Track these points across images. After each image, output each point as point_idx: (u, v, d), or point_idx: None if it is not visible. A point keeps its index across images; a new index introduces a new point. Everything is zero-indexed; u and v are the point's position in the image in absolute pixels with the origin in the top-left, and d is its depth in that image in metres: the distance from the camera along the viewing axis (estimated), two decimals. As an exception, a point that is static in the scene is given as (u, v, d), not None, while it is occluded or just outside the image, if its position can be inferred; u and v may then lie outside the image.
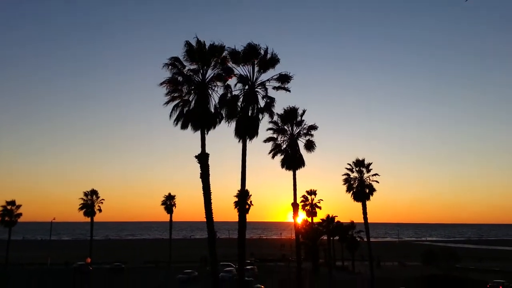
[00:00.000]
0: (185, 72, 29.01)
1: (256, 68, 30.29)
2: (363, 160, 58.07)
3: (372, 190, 56.96)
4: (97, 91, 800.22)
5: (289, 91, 31.39)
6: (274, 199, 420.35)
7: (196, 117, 28.75)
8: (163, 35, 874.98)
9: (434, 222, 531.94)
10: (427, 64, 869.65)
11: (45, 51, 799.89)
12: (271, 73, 30.73)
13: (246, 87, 30.37)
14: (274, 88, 31.07)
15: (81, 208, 77.35)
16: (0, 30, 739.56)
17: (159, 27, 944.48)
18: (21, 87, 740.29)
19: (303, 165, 37.49)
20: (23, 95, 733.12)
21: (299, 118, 37.70)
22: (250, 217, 66.56)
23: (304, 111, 37.81)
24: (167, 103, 28.91)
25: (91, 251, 76.44)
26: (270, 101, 30.81)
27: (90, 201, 77.95)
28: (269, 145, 37.78)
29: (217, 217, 29.17)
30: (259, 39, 30.79)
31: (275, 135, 37.72)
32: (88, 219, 78.37)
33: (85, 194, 78.04)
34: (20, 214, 77.52)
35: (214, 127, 29.42)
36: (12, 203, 77.00)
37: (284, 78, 30.96)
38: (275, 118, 36.05)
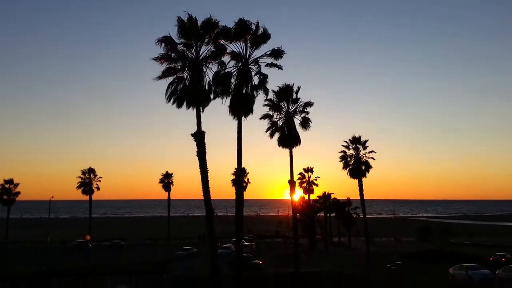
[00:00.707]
0: (178, 49, 28.73)
1: (249, 44, 29.97)
2: (360, 137, 58.16)
3: (368, 167, 57.25)
4: (93, 70, 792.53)
5: (281, 68, 31.06)
6: (271, 177, 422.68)
7: (191, 94, 28.61)
8: (158, 7, 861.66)
9: (431, 199, 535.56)
10: (430, 35, 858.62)
11: (39, 26, 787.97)
12: (264, 49, 30.40)
13: (240, 64, 30.13)
14: (267, 65, 30.81)
15: (79, 187, 77.78)
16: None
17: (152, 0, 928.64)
18: (19, 67, 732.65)
19: (299, 143, 37.51)
20: (21, 76, 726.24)
21: (294, 96, 37.41)
22: (247, 194, 67.55)
23: (299, 88, 37.54)
24: (159, 77, 28.75)
25: (90, 228, 77.11)
26: (264, 78, 30.59)
27: (88, 179, 78.30)
28: (265, 122, 37.67)
29: (214, 194, 29.29)
30: (251, 12, 30.22)
31: (271, 112, 37.54)
32: (87, 197, 78.92)
33: (83, 172, 78.35)
34: (19, 193, 78.01)
35: (208, 105, 29.36)
36: (10, 181, 77.35)
37: (277, 53, 30.62)
38: (271, 95, 35.79)
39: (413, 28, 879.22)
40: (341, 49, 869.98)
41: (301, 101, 37.76)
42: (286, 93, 37.10)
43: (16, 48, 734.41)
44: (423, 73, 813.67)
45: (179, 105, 28.91)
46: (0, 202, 76.99)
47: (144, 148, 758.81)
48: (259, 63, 30.42)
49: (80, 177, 78.06)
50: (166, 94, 28.84)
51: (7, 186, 76.93)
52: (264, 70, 30.80)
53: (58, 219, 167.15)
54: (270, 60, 30.74)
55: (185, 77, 29.22)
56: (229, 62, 29.89)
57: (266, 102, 36.78)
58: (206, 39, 28.75)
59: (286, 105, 37.61)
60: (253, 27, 29.33)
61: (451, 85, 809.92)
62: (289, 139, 37.06)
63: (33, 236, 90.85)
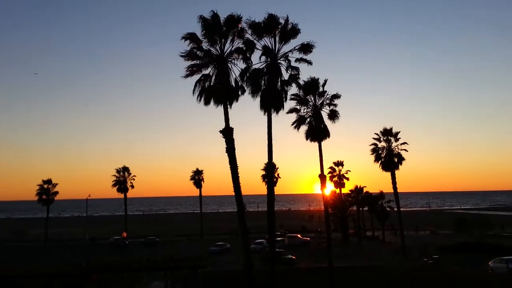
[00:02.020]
0: (203, 47, 28.95)
1: (278, 39, 29.81)
2: (391, 129, 57.28)
3: (401, 159, 56.27)
4: (125, 69, 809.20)
5: (311, 63, 30.67)
6: (300, 171, 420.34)
7: (218, 91, 28.81)
8: (187, 3, 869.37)
9: (468, 190, 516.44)
10: (469, 17, 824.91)
11: (65, 25, 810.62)
12: (293, 43, 30.21)
13: (268, 59, 29.99)
14: (297, 60, 30.51)
15: (114, 185, 79.90)
16: None
17: None
18: (55, 66, 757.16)
19: (328, 136, 37.03)
20: (58, 77, 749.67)
21: (321, 89, 36.94)
22: (277, 190, 66.92)
23: (325, 81, 36.94)
24: (186, 76, 29.11)
25: (126, 225, 78.93)
26: (295, 74, 30.39)
27: (122, 178, 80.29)
28: (292, 116, 37.40)
29: (244, 190, 29.55)
30: (278, 5, 29.94)
31: (298, 106, 37.24)
32: (122, 195, 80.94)
33: (118, 171, 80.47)
34: (57, 193, 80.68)
35: (237, 101, 29.50)
36: (49, 181, 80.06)
37: (306, 48, 30.25)
38: (297, 89, 35.46)
39: (450, 9, 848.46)
40: (370, 35, 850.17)
41: (328, 94, 37.21)
42: (313, 86, 36.58)
43: (50, 45, 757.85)
44: (459, 59, 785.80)
45: (207, 103, 29.25)
46: (39, 202, 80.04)
47: (175, 146, 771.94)
48: (289, 58, 30.22)
49: (115, 175, 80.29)
50: (194, 92, 29.24)
51: (45, 186, 79.75)
52: (294, 65, 30.60)
53: (94, 217, 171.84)
54: (299, 55, 30.50)
55: (211, 74, 29.49)
56: (260, 57, 29.81)
57: (293, 97, 36.50)
58: (230, 36, 28.85)
59: (313, 99, 37.15)
60: (282, 21, 29.14)
61: (490, 70, 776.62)
62: (317, 133, 36.69)
63: (71, 233, 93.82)
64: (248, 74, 29.45)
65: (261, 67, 30.02)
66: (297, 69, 30.50)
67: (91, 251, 66.22)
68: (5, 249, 72.78)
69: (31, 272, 30.05)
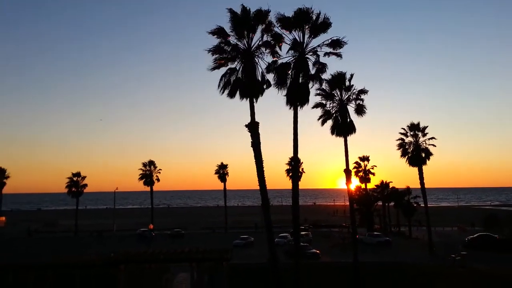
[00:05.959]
0: (230, 41, 29.02)
1: (307, 34, 29.42)
2: (418, 124, 56.16)
3: (428, 154, 55.20)
4: (150, 65, 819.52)
5: (341, 56, 30.04)
6: (325, 166, 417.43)
7: (244, 85, 28.88)
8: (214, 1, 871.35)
9: (498, 186, 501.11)
10: (493, 24, 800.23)
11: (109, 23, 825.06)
12: (322, 38, 29.68)
13: (297, 53, 29.75)
14: (325, 54, 30.08)
15: (141, 178, 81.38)
16: None
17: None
18: (84, 66, 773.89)
19: (354, 131, 36.72)
20: (88, 76, 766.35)
21: (347, 83, 36.50)
22: (301, 184, 66.68)
23: (352, 76, 36.51)
24: (212, 69, 29.27)
25: (152, 218, 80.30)
26: (321, 68, 30.03)
27: (148, 171, 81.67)
28: (317, 111, 37.17)
29: (269, 184, 29.58)
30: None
31: (323, 101, 36.97)
32: (148, 188, 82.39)
33: (144, 164, 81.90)
34: (86, 185, 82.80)
35: (262, 95, 29.50)
36: (78, 174, 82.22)
37: (336, 44, 29.72)
38: (323, 84, 35.14)
39: (486, 15, 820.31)
40: (399, 30, 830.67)
41: (354, 89, 36.92)
42: (339, 81, 36.33)
43: (74, 47, 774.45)
44: (492, 54, 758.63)
45: (232, 96, 29.33)
46: (69, 194, 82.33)
47: (200, 140, 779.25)
48: (318, 53, 29.79)
49: (141, 169, 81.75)
50: (219, 86, 29.39)
51: (75, 179, 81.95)
52: (322, 59, 30.12)
53: (122, 209, 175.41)
54: (328, 49, 29.98)
55: (237, 68, 29.58)
56: (288, 51, 29.56)
57: (318, 92, 36.30)
58: (259, 29, 28.80)
59: (339, 93, 36.91)
60: (313, 16, 28.77)
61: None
62: (343, 128, 36.43)
63: (100, 225, 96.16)
64: (274, 68, 29.36)
65: (288, 61, 29.83)
66: (324, 64, 30.13)
67: (120, 242, 67.70)
68: (39, 239, 75.45)
69: (66, 262, 31.03)
